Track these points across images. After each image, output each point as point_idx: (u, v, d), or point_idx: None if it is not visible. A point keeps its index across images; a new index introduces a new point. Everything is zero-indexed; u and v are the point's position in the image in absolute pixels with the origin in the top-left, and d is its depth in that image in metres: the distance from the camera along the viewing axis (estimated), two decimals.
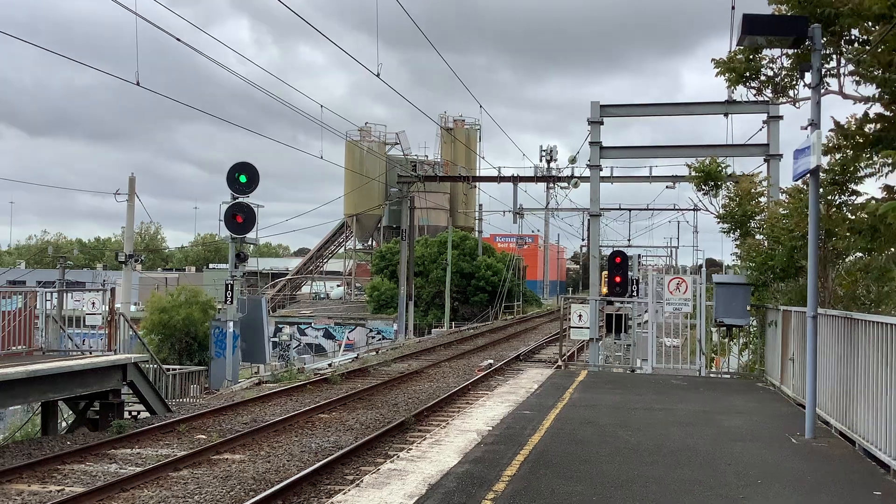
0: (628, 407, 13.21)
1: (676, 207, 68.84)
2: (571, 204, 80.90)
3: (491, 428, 10.88)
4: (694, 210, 69.19)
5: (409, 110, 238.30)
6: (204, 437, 16.21)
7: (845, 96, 11.79)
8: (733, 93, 13.78)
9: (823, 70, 10.86)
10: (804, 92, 12.78)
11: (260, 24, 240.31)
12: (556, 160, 67.17)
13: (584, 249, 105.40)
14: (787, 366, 14.96)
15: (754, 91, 12.79)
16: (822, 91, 10.86)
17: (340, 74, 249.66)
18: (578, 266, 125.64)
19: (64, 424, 18.46)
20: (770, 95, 12.96)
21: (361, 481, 7.87)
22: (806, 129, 10.76)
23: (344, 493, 7.40)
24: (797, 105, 12.86)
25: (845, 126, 10.88)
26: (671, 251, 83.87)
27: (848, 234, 12.01)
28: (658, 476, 8.30)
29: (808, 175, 10.65)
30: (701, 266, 72.29)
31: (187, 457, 13.92)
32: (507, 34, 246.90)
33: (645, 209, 65.70)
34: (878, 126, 10.58)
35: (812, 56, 10.54)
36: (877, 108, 11.16)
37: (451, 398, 21.23)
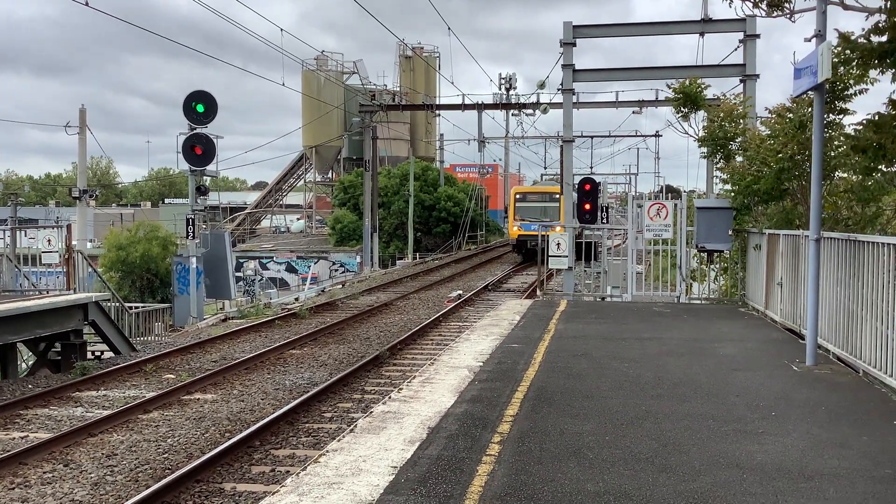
0: (617, 337, 12.80)
1: (639, 134, 69.00)
2: (536, 132, 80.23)
3: (482, 364, 10.36)
4: (655, 136, 69.63)
5: (361, 42, 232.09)
6: (172, 376, 15.62)
7: (846, 7, 11.13)
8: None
9: None
10: (800, 4, 12.17)
11: None
12: (515, 88, 66.29)
13: (545, 178, 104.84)
14: (774, 290, 14.64)
15: (751, 3, 12.11)
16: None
17: (287, 4, 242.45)
18: None
19: (24, 367, 17.70)
20: (765, 9, 12.26)
21: (356, 426, 7.29)
22: (810, 40, 10.14)
23: (338, 441, 6.82)
24: (793, 18, 12.20)
25: (853, 38, 10.23)
26: (630, 178, 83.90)
27: (850, 152, 11.50)
28: (668, 412, 7.85)
29: (813, 91, 10.08)
30: (661, 192, 72.58)
31: (157, 398, 13.38)
32: None
33: (608, 136, 65.60)
34: (887, 37, 9.96)
35: None
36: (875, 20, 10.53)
37: (424, 331, 20.88)
